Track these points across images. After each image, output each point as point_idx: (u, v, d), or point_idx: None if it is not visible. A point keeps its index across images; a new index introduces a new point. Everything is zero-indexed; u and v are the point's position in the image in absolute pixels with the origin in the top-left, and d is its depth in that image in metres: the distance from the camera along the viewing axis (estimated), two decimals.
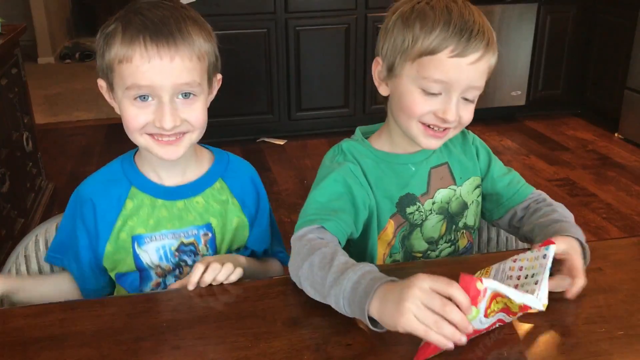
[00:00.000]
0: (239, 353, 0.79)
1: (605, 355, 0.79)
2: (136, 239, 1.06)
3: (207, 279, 0.95)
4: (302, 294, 0.91)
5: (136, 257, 1.06)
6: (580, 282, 0.89)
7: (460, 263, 1.08)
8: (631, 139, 3.73)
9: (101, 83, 1.02)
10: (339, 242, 0.95)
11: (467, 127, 1.09)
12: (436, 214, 1.09)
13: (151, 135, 0.99)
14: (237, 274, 0.97)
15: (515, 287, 0.83)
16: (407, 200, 1.07)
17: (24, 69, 2.75)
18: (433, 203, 1.09)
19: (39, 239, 1.16)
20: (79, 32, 6.77)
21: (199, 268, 0.95)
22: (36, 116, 2.97)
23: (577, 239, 0.95)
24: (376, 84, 1.06)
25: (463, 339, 0.73)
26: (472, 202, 1.13)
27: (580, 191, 3.09)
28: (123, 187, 1.07)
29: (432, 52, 0.95)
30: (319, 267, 0.87)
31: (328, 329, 0.83)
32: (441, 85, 0.96)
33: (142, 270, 1.07)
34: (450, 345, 0.72)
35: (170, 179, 1.08)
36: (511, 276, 0.86)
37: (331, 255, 0.87)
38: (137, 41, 0.93)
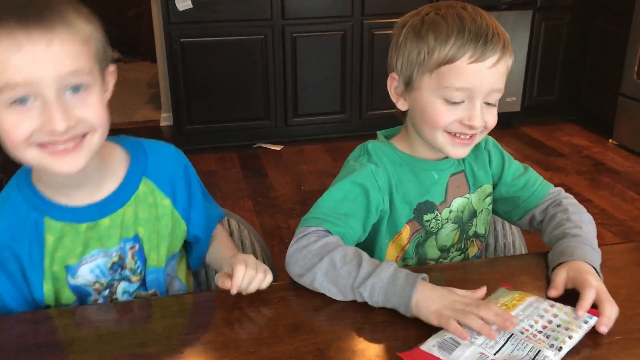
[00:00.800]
0: (242, 358, 0.79)
1: None
2: (69, 269, 0.94)
3: (247, 287, 0.90)
4: (304, 299, 0.92)
5: (71, 286, 0.95)
6: (606, 309, 0.85)
7: (463, 268, 1.08)
8: (625, 145, 3.75)
9: None
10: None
11: None
12: (452, 222, 1.10)
13: (42, 146, 0.81)
14: (267, 281, 0.92)
15: (544, 327, 0.83)
16: (426, 207, 1.07)
17: None
18: (450, 212, 1.09)
19: None
20: None
21: (239, 270, 0.89)
22: None
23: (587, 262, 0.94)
24: (393, 99, 1.06)
25: (493, 332, 0.79)
26: (482, 210, 1.13)
27: (575, 197, 3.07)
28: (35, 221, 0.91)
29: (450, 60, 0.95)
30: (342, 262, 0.90)
31: (330, 334, 0.84)
32: (464, 92, 0.96)
33: (80, 294, 0.97)
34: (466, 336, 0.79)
35: (84, 197, 0.92)
36: (542, 316, 0.85)
37: (353, 253, 0.92)
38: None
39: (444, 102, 0.98)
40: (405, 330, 0.85)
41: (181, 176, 1.02)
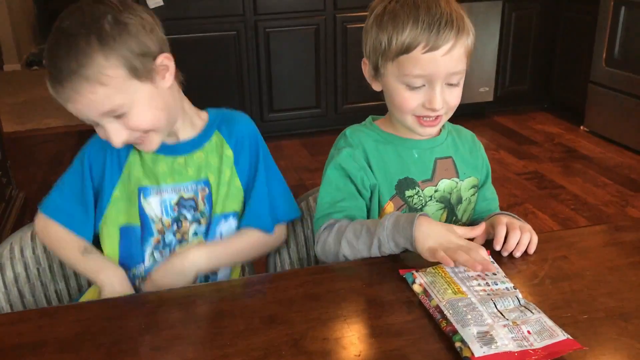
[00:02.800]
0: (218, 351, 0.80)
1: None
2: (142, 190, 1.10)
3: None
4: (279, 292, 0.93)
5: (141, 209, 1.10)
6: (510, 238, 1.01)
7: None
8: (596, 132, 3.82)
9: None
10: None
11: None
12: (436, 201, 1.14)
13: None
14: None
15: (483, 278, 0.92)
16: (406, 183, 1.12)
17: None
18: (435, 191, 1.13)
19: (14, 247, 1.15)
20: (45, 38, 6.66)
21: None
22: (4, 124, 2.93)
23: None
24: (368, 81, 1.13)
25: (478, 267, 0.88)
26: (466, 199, 1.17)
27: (548, 183, 3.17)
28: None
29: (406, 50, 1.01)
30: (354, 237, 1.02)
31: (305, 325, 0.85)
32: (422, 78, 1.03)
33: (144, 225, 1.10)
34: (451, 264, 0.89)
35: (171, 140, 1.11)
36: (471, 275, 0.92)
37: (360, 225, 1.03)
38: None
39: (406, 88, 1.05)
40: (379, 318, 0.86)
41: (246, 139, 1.15)
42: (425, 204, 1.13)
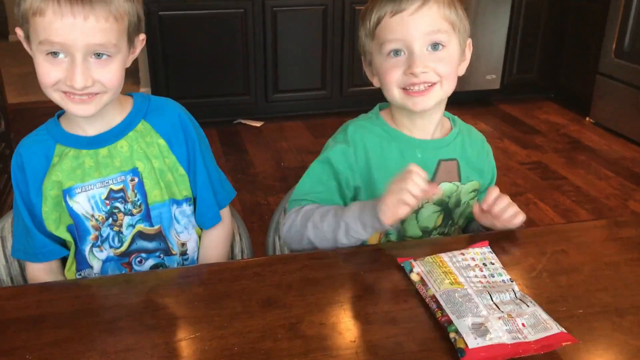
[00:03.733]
0: (215, 332, 0.81)
1: None
2: (67, 192, 1.06)
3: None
4: (277, 275, 0.93)
5: (70, 210, 1.06)
6: (502, 201, 1.04)
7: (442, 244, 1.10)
8: (601, 123, 3.80)
9: (19, 32, 1.01)
10: None
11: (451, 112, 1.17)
12: (433, 204, 1.12)
13: (64, 92, 0.99)
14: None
15: (481, 269, 0.92)
16: None
17: None
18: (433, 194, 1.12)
19: None
20: None
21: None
22: (8, 95, 2.93)
23: None
24: (370, 79, 1.14)
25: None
26: (465, 202, 1.15)
27: (551, 174, 3.16)
28: (49, 146, 1.07)
29: (378, 21, 1.05)
30: (320, 220, 1.02)
31: (302, 309, 0.85)
32: (399, 42, 1.03)
33: (78, 225, 1.08)
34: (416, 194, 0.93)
35: (93, 129, 1.07)
36: (469, 265, 0.92)
37: (326, 209, 1.04)
38: None
39: (388, 57, 1.05)
40: (376, 305, 0.87)
41: (177, 124, 1.12)
42: (421, 206, 1.11)
